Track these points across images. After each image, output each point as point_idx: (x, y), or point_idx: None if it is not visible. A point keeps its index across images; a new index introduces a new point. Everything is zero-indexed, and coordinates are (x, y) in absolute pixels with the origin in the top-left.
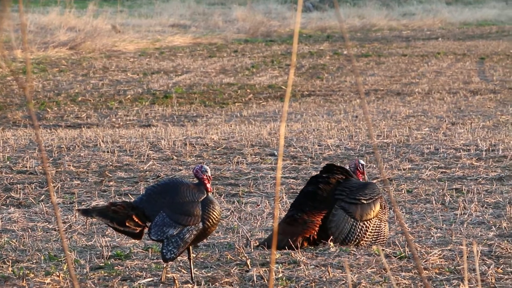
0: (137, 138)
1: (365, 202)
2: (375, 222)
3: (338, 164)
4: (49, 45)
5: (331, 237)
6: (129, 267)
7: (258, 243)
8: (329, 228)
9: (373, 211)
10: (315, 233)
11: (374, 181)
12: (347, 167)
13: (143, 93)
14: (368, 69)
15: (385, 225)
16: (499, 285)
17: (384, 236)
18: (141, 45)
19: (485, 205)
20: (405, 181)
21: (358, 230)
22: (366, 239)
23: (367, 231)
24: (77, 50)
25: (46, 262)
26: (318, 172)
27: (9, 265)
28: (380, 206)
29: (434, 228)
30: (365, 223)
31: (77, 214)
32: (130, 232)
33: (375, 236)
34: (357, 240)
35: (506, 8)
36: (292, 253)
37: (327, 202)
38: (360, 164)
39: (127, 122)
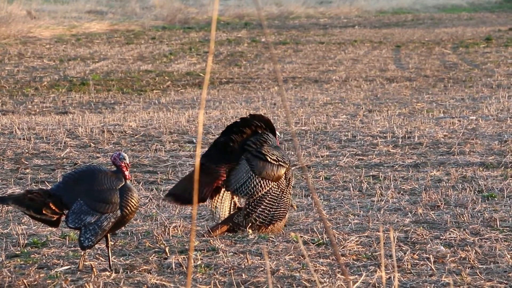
0: (54, 125)
1: (269, 160)
2: (274, 189)
3: (266, 117)
4: None
5: (228, 184)
6: (46, 255)
7: (165, 196)
8: (230, 176)
9: (275, 173)
10: (222, 183)
11: (292, 168)
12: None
13: (60, 80)
14: (286, 56)
15: (286, 199)
16: (415, 270)
17: (284, 210)
18: (57, 31)
19: (401, 192)
20: (323, 168)
21: (253, 184)
22: (264, 207)
23: (261, 190)
24: None
25: None
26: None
27: None
28: (285, 176)
29: (351, 214)
30: (262, 181)
31: None
32: (47, 220)
33: (273, 206)
34: (249, 194)
35: None
36: (211, 240)
37: (237, 153)
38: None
39: (44, 109)
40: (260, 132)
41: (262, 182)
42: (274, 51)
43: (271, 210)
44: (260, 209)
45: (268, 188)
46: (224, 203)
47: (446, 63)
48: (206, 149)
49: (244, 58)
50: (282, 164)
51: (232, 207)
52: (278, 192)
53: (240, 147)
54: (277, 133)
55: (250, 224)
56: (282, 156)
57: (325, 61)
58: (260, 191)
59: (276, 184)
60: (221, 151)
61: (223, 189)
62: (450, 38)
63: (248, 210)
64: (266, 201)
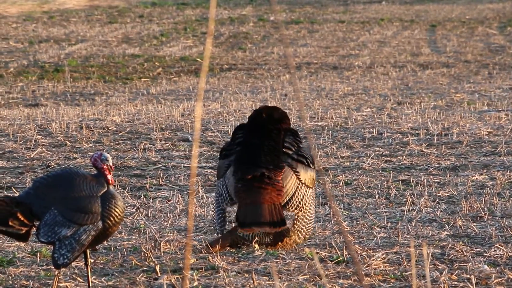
0: (22, 120)
1: (309, 164)
2: (311, 197)
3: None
4: None
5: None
6: (13, 276)
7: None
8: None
9: (313, 179)
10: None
11: None
12: None
13: (29, 65)
14: (300, 38)
15: (314, 207)
16: None
17: (313, 220)
18: (26, 7)
19: (437, 200)
20: (343, 172)
21: (302, 194)
22: (306, 220)
23: (307, 200)
24: None
25: None
26: (253, 118)
27: None
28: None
29: (377, 227)
30: (307, 190)
31: None
32: (14, 233)
33: (310, 217)
34: (299, 206)
35: None
36: (210, 257)
37: (280, 159)
38: None
39: (10, 101)
40: (289, 129)
41: (307, 191)
42: (285, 32)
43: (308, 221)
44: (303, 222)
45: (308, 197)
46: None
47: (491, 46)
48: (207, 156)
49: (249, 40)
50: (315, 166)
51: None
52: (312, 201)
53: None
54: None
55: (294, 241)
56: (313, 157)
57: (346, 44)
58: (307, 202)
59: (311, 191)
60: (268, 154)
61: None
62: (496, 16)
63: (299, 227)
64: (308, 213)
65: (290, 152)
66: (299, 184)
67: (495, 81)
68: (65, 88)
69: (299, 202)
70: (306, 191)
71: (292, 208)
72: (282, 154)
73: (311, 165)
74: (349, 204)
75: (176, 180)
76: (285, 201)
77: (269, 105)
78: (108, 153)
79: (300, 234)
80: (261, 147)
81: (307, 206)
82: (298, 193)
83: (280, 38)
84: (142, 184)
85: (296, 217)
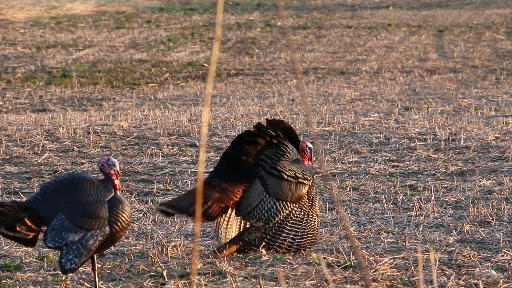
0: (30, 125)
1: (285, 177)
2: (296, 211)
3: (287, 122)
4: None
5: (238, 209)
6: (20, 280)
7: (158, 206)
8: (241, 198)
9: (293, 193)
10: (233, 204)
11: (315, 176)
12: None
13: (37, 71)
14: (307, 43)
15: (313, 222)
16: None
17: (312, 236)
18: (34, 13)
19: (444, 205)
20: (351, 177)
21: (267, 207)
22: (286, 234)
23: (277, 214)
24: None
25: None
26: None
27: None
28: (308, 195)
29: (384, 232)
30: (278, 203)
31: None
32: (21, 238)
33: (298, 232)
34: (262, 219)
35: None
36: (217, 262)
37: (252, 170)
38: (308, 148)
39: (17, 106)
40: (276, 142)
41: (278, 204)
42: (292, 37)
43: (295, 237)
44: (282, 237)
45: (287, 212)
46: (231, 227)
47: (498, 51)
48: (214, 161)
49: (256, 46)
50: (303, 181)
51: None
52: (301, 215)
53: (255, 162)
54: (309, 144)
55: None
56: (303, 171)
57: (353, 49)
58: (277, 216)
59: (297, 205)
60: (233, 166)
61: (230, 211)
62: (503, 21)
63: (267, 239)
64: (287, 227)
65: (264, 164)
66: (265, 196)
67: (503, 86)
68: (72, 94)
69: (263, 215)
70: (277, 205)
71: (253, 219)
72: (255, 166)
73: (292, 179)
74: (356, 209)
75: (183, 185)
76: (246, 211)
77: (276, 119)
78: (115, 158)
79: (278, 248)
80: (229, 160)
81: (281, 220)
82: (261, 206)
83: (287, 44)
84: (150, 189)
85: (265, 230)
